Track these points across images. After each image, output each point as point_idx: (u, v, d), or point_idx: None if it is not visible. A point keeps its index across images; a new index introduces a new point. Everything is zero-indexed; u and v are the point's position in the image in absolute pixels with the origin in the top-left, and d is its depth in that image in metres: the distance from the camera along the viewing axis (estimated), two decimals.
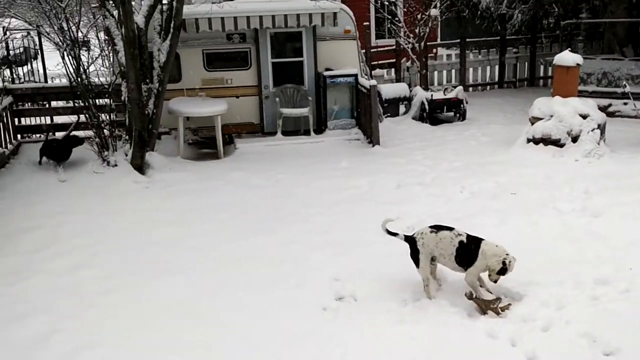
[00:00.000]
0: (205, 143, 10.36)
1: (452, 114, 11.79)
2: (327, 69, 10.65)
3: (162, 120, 9.30)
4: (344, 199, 7.37)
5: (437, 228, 4.98)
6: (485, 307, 4.63)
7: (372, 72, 12.67)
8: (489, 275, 4.72)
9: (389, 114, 11.82)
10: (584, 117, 8.75)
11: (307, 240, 6.15)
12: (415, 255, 4.94)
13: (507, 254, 4.66)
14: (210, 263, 5.73)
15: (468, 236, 4.85)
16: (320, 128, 10.74)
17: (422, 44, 12.89)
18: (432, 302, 4.81)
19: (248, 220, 6.80)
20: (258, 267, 5.60)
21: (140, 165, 8.52)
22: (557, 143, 8.67)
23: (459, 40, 14.74)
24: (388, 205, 7.02)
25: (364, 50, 12.22)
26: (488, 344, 4.27)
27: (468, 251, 4.75)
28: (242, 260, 5.77)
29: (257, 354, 4.28)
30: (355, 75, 10.49)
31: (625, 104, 11.17)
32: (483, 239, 4.81)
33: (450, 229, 4.95)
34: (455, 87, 12.35)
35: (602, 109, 9.90)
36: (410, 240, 4.99)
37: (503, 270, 4.64)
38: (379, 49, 14.52)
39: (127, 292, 5.22)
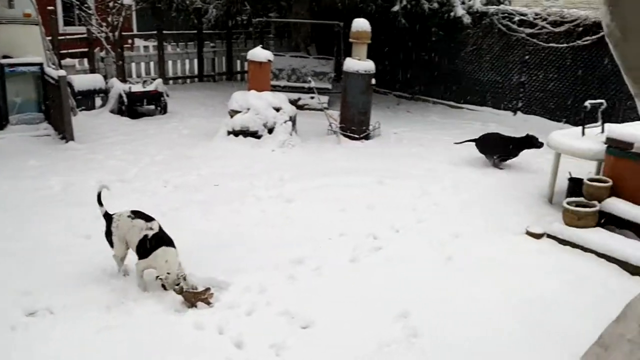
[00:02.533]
0: None
1: (152, 107, 11.50)
2: (5, 57, 9.39)
3: None
4: (33, 202, 6.59)
5: (137, 215, 4.89)
6: (195, 299, 4.60)
7: (62, 61, 11.62)
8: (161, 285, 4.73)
9: (83, 107, 11.01)
10: (278, 110, 9.37)
11: None
12: (108, 235, 4.90)
13: (168, 273, 4.59)
14: None
15: (156, 234, 4.75)
16: (0, 123, 9.43)
17: (117, 33, 12.29)
18: (137, 304, 4.58)
19: None
20: None
21: None
22: (255, 135, 9.12)
23: (155, 32, 14.48)
24: (86, 206, 6.43)
25: (49, 38, 11.12)
26: (196, 336, 4.24)
27: (146, 246, 4.73)
28: None
29: None
30: (41, 64, 9.49)
31: (312, 97, 12.33)
32: (165, 246, 4.70)
33: (150, 220, 4.85)
34: (154, 79, 12.07)
35: (293, 102, 10.78)
36: (108, 218, 4.93)
37: (163, 286, 4.68)
38: (69, 37, 13.39)
39: None
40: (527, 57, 11.86)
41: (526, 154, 8.67)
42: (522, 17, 11.41)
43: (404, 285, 4.98)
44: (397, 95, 14.43)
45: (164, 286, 4.71)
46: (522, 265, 5.44)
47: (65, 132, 8.97)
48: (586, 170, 7.08)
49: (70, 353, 3.98)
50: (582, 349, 3.96)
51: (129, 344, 4.11)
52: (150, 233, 4.76)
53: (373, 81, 10.00)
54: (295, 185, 7.41)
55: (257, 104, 9.29)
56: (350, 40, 9.97)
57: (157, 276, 4.73)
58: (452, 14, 11.86)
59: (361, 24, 9.82)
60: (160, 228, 4.84)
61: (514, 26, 11.53)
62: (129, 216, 4.89)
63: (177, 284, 4.61)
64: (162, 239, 4.76)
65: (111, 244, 4.93)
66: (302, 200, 6.90)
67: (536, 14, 11.26)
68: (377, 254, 5.60)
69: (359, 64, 9.86)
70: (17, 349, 4.01)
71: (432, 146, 9.77)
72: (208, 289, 4.69)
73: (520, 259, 5.56)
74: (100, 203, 5.05)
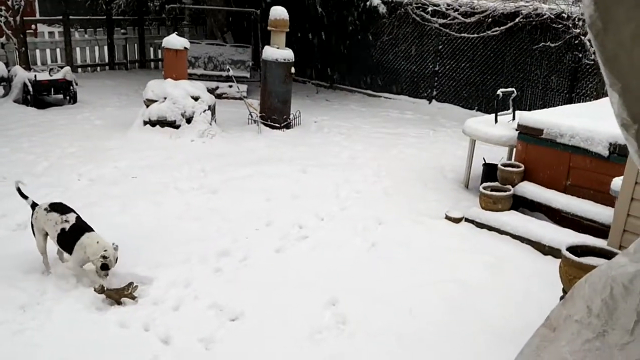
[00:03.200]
0: None
1: (61, 96, 10.91)
2: None
3: None
4: None
5: (54, 208, 4.76)
6: (119, 296, 4.43)
7: None
8: (97, 273, 4.60)
9: None
10: (196, 99, 9.15)
11: None
12: (32, 227, 4.80)
13: (105, 250, 4.54)
14: None
15: (74, 225, 4.66)
16: None
17: (18, 18, 11.53)
18: (56, 303, 4.35)
19: None
20: None
21: None
22: (173, 124, 8.87)
23: (61, 17, 13.74)
24: None
25: None
26: (121, 334, 4.08)
27: (67, 239, 4.65)
28: None
29: None
30: None
31: (231, 86, 12.15)
32: (87, 232, 4.63)
33: (67, 212, 4.75)
34: (62, 67, 11.45)
35: (211, 91, 10.55)
36: (32, 210, 4.82)
37: (105, 266, 4.55)
38: None
39: None
40: (440, 46, 12.23)
41: (442, 142, 8.96)
42: (435, 8, 11.73)
43: (331, 273, 5.03)
44: (315, 84, 14.49)
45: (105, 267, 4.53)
46: (443, 249, 5.62)
47: None
48: (498, 156, 7.41)
49: None
50: (508, 332, 4.20)
51: (49, 347, 3.90)
52: (67, 226, 4.65)
53: (292, 70, 9.97)
54: (217, 176, 7.28)
55: (174, 92, 9.03)
56: (269, 28, 9.88)
57: (92, 260, 4.56)
58: (368, 3, 12.02)
59: (279, 12, 9.75)
60: (77, 218, 4.73)
61: (428, 16, 11.83)
62: (45, 209, 4.75)
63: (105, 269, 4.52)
64: (81, 228, 4.67)
65: (34, 234, 4.82)
66: (225, 191, 6.79)
67: (448, 5, 11.60)
68: (304, 242, 5.62)
69: (277, 52, 9.79)
70: None
71: (352, 134, 9.89)
72: (131, 284, 4.53)
73: (441, 243, 5.74)
74: (23, 196, 4.90)
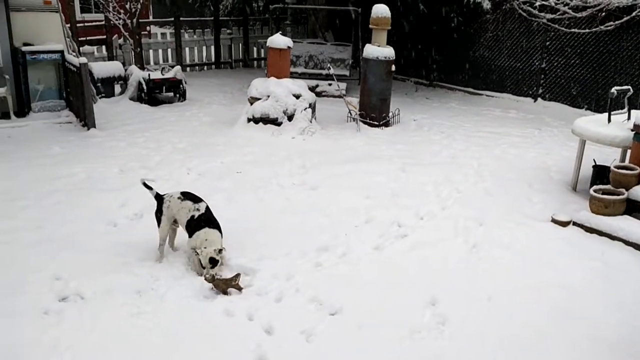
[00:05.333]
0: None
1: (171, 94, 11.53)
2: (25, 44, 9.44)
3: None
4: (58, 189, 6.64)
5: (186, 196, 5.12)
6: (227, 286, 4.64)
7: (81, 48, 11.66)
8: (198, 265, 4.84)
9: (103, 95, 11.06)
10: (297, 97, 9.35)
11: (17, 239, 5.38)
12: (159, 214, 5.12)
13: (214, 250, 4.77)
14: None
15: (202, 215, 5.01)
16: (22, 110, 9.51)
17: (135, 20, 12.30)
18: (167, 289, 4.63)
19: None
20: None
21: None
22: (275, 122, 9.11)
23: (172, 19, 14.48)
24: (111, 192, 6.56)
25: (68, 25, 11.16)
26: (227, 322, 4.27)
27: (194, 226, 4.99)
28: None
29: None
30: (61, 52, 9.53)
31: (330, 84, 12.31)
32: (208, 227, 4.93)
33: (199, 201, 5.10)
34: (172, 66, 12.09)
35: (311, 89, 10.73)
36: (159, 199, 5.15)
37: (213, 261, 4.77)
38: (86, 24, 13.43)
39: None
40: (547, 42, 11.71)
41: (548, 142, 8.58)
42: (543, 3, 11.24)
43: (431, 273, 4.99)
44: (415, 81, 14.34)
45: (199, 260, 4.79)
46: (548, 252, 5.41)
47: (86, 120, 9.02)
48: (609, 157, 7.01)
49: (101, 338, 4.03)
50: (617, 341, 3.99)
51: (161, 329, 4.15)
52: (197, 214, 5.00)
53: (393, 68, 9.93)
54: (318, 172, 7.41)
55: (277, 90, 9.27)
56: (370, 26, 9.90)
57: (193, 247, 4.88)
58: None
59: (381, 10, 9.74)
60: (207, 209, 5.07)
61: (535, 11, 11.37)
62: (178, 197, 5.09)
63: (213, 264, 4.74)
64: (207, 220, 4.99)
65: (159, 222, 5.12)
66: (326, 187, 6.90)
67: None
68: (403, 241, 5.60)
69: (378, 50, 9.80)
70: (49, 333, 4.06)
71: (452, 133, 9.72)
72: (238, 275, 4.72)
73: (546, 247, 5.53)
74: (148, 187, 5.24)
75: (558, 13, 10.99)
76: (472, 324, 4.25)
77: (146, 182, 5.26)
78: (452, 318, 4.31)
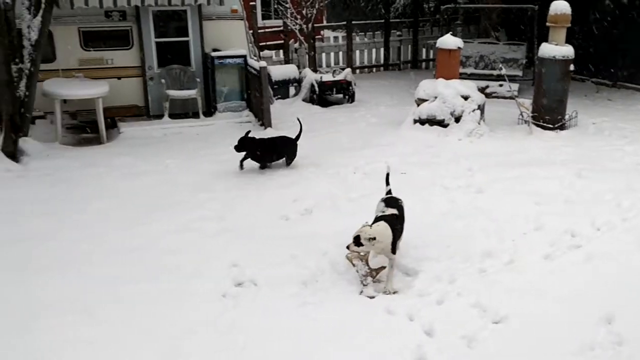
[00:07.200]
0: (86, 127, 9.74)
1: (341, 95, 11.93)
2: (214, 50, 10.36)
3: (36, 103, 8.60)
4: (237, 184, 7.22)
5: (386, 200, 5.27)
6: (377, 273, 4.83)
7: (261, 53, 12.51)
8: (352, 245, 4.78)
9: (279, 96, 11.76)
10: (465, 98, 9.17)
11: (201, 228, 5.95)
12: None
13: (365, 233, 4.64)
14: (94, 256, 5.35)
15: (383, 216, 4.99)
16: (209, 110, 10.47)
17: (310, 25, 12.90)
18: (332, 284, 4.83)
19: (137, 208, 6.46)
20: (148, 257, 5.32)
21: (13, 153, 7.86)
22: (442, 123, 9.03)
23: (345, 23, 14.93)
24: (284, 188, 6.98)
25: (251, 31, 12.03)
26: (388, 320, 4.36)
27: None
28: (131, 251, 5.45)
29: (152, 346, 4.07)
30: (245, 56, 10.30)
31: (501, 85, 11.89)
32: (382, 221, 4.86)
33: (392, 207, 5.14)
34: (343, 69, 12.49)
35: (480, 90, 10.45)
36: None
37: (357, 241, 4.65)
38: (267, 30, 14.38)
39: None
40: None
41: None
42: None
43: (608, 288, 4.63)
44: (595, 82, 13.30)
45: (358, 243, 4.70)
46: None
47: (263, 119, 9.67)
48: None
49: (271, 325, 4.31)
50: None
51: (326, 321, 4.34)
52: (387, 212, 5.03)
53: (571, 67, 9.33)
54: (485, 175, 7.22)
55: (445, 92, 9.18)
56: (548, 24, 9.39)
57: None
58: None
59: (561, 7, 9.19)
60: (392, 215, 5.00)
61: None
62: (382, 199, 5.31)
63: (356, 243, 4.64)
64: (389, 220, 4.87)
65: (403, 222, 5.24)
66: (493, 191, 6.71)
67: None
68: (576, 252, 5.26)
69: (555, 49, 9.26)
70: (224, 316, 4.44)
71: (638, 138, 8.88)
72: (382, 267, 4.83)
73: None
74: (387, 183, 5.52)
75: None
76: None
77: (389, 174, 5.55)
78: (631, 339, 3.97)
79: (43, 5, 8.11)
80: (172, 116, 10.05)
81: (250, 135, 7.64)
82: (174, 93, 10.03)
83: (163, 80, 10.06)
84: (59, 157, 8.18)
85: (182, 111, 10.29)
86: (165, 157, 8.24)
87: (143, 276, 4.99)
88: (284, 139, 7.98)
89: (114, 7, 9.50)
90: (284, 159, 7.82)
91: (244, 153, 7.62)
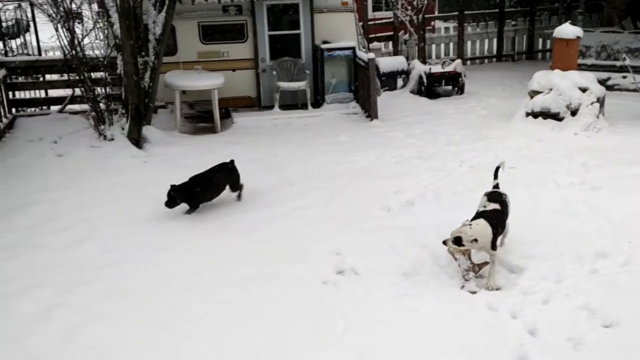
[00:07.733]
0: (202, 117, 10.29)
1: (450, 87, 11.70)
2: (324, 42, 10.53)
3: (158, 94, 9.20)
4: (342, 173, 7.35)
5: (489, 194, 5.22)
6: (479, 268, 4.77)
7: (370, 45, 12.54)
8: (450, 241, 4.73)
9: (386, 88, 11.75)
10: (584, 90, 8.70)
11: (306, 215, 6.14)
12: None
13: (466, 234, 4.57)
14: (209, 239, 5.71)
15: (484, 211, 4.95)
16: (317, 102, 10.67)
17: (420, 16, 12.75)
18: (432, 276, 4.83)
19: (247, 194, 6.76)
20: (256, 241, 5.59)
21: (137, 140, 8.47)
22: (556, 117, 8.63)
23: (457, 13, 14.60)
24: (387, 179, 7.01)
25: (361, 23, 12.10)
26: (489, 317, 4.30)
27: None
28: (239, 234, 5.76)
29: (256, 327, 4.29)
30: (353, 48, 10.39)
31: (624, 77, 11.12)
32: (483, 219, 4.75)
33: (495, 202, 5.06)
34: (453, 60, 12.24)
35: (601, 82, 9.84)
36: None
37: (458, 241, 4.59)
38: (377, 22, 14.37)
39: (128, 266, 5.21)
40: None
41: None
42: None
43: None
44: None
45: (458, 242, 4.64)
46: None
47: (370, 111, 9.72)
48: None
49: (370, 313, 4.39)
50: None
51: (423, 313, 4.36)
52: (483, 209, 4.98)
53: None
54: (601, 172, 6.84)
55: (561, 84, 8.75)
56: None
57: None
58: None
59: None
60: (494, 210, 4.93)
61: None
62: (485, 194, 5.22)
63: (457, 243, 4.60)
64: (489, 217, 4.79)
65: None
66: (608, 189, 6.34)
67: None
68: None
69: None
70: (325, 301, 4.58)
71: None
72: (485, 263, 4.75)
73: None
74: (495, 176, 5.42)
75: None
76: None
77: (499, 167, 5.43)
78: None
79: (167, 2, 8.65)
80: (282, 107, 10.35)
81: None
82: (284, 84, 10.33)
83: (274, 72, 10.39)
84: (177, 144, 8.71)
85: (292, 102, 10.57)
86: (275, 146, 8.54)
87: (249, 258, 5.26)
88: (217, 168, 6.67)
89: (231, 1, 9.94)
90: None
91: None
